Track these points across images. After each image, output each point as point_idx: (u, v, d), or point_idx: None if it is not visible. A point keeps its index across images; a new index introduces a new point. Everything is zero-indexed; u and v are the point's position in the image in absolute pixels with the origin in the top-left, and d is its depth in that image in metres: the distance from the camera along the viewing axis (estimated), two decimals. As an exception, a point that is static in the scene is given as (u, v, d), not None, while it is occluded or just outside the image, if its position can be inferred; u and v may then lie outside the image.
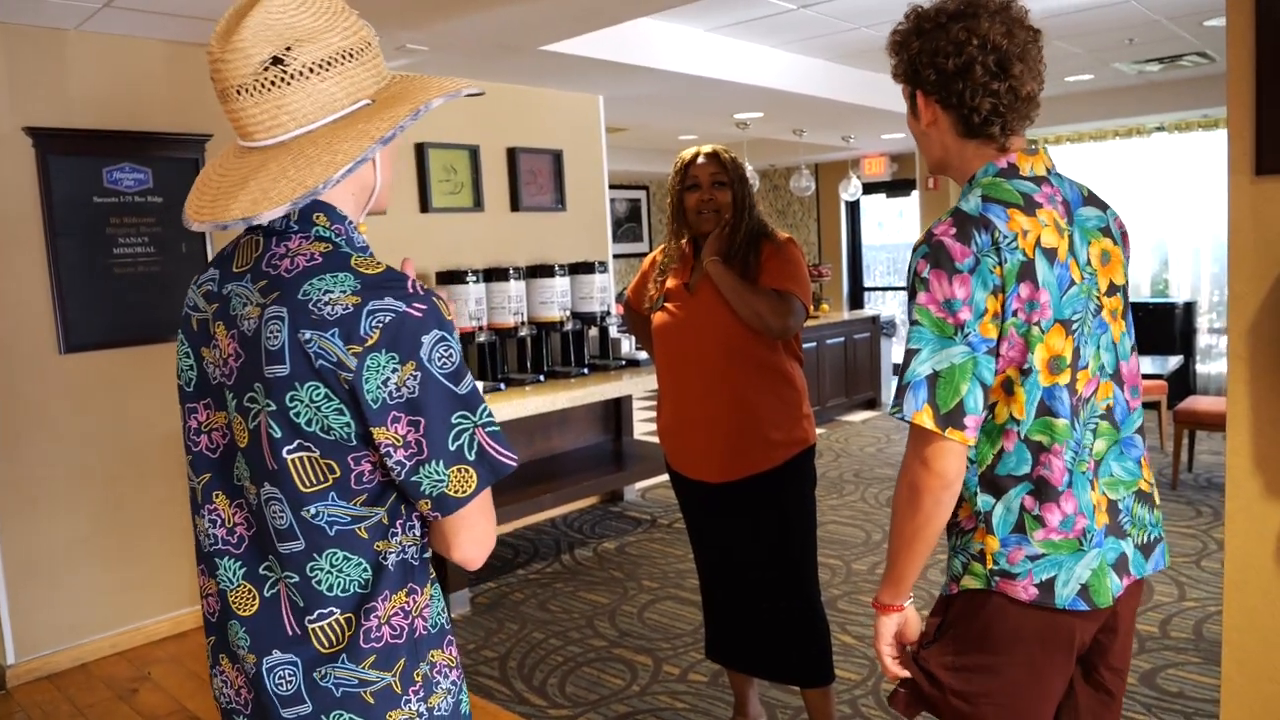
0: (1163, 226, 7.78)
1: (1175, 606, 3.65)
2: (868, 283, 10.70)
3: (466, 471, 1.06)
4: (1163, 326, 7.51)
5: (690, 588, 4.10)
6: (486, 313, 4.43)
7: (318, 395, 1.03)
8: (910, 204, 10.20)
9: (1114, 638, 1.46)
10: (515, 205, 5.08)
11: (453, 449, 1.05)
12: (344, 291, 1.03)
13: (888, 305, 10.60)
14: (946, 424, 1.28)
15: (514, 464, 1.09)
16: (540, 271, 4.68)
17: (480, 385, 3.99)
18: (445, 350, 1.04)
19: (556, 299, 4.67)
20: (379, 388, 1.01)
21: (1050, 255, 1.33)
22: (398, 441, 1.03)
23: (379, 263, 1.09)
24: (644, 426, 7.56)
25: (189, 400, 1.19)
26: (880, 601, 1.44)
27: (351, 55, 1.09)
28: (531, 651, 3.54)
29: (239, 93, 1.07)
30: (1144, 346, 7.28)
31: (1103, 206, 1.47)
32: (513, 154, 5.05)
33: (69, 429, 3.59)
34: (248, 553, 1.15)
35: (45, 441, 3.55)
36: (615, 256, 9.34)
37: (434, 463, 1.04)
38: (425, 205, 4.69)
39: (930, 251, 1.31)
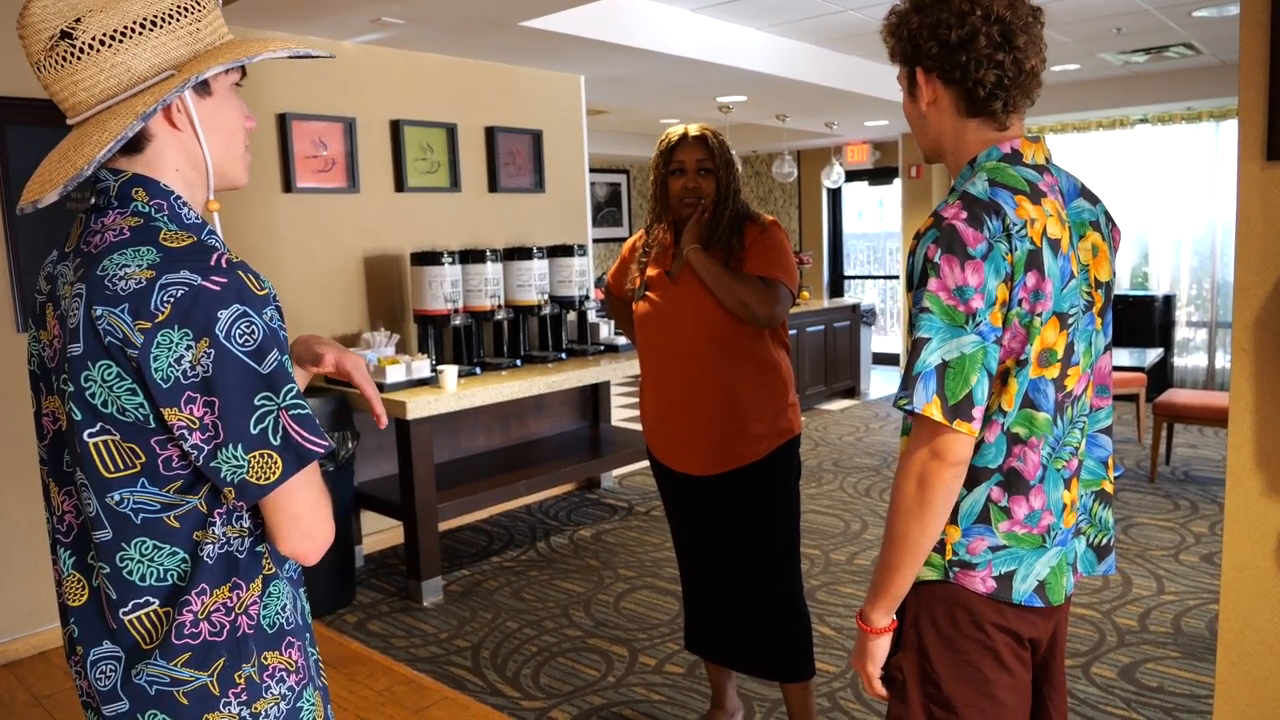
0: (1143, 219, 7.77)
1: (1154, 600, 3.63)
2: (848, 271, 10.66)
3: (269, 457, 1.00)
4: (1142, 319, 7.53)
5: (667, 577, 4.03)
6: (462, 295, 4.32)
7: (109, 374, 0.99)
8: (890, 193, 10.17)
9: (1058, 645, 1.45)
10: (493, 186, 4.97)
11: (254, 432, 0.99)
12: (140, 265, 0.98)
13: (867, 294, 10.58)
14: (954, 415, 1.22)
15: (322, 450, 1.03)
16: (518, 254, 4.57)
17: (454, 370, 3.91)
18: (247, 326, 0.98)
19: (534, 282, 4.57)
20: (170, 366, 0.96)
21: (1055, 246, 1.30)
22: (193, 424, 0.98)
23: (191, 236, 1.03)
24: (622, 413, 7.49)
25: (34, 384, 1.15)
26: (871, 623, 1.35)
27: (155, 22, 1.03)
28: (505, 641, 3.47)
29: (38, 69, 1.06)
30: (1123, 339, 7.29)
31: (1094, 200, 1.45)
32: (491, 133, 4.93)
33: (26, 409, 3.46)
34: (76, 542, 1.10)
35: (1, 422, 3.42)
36: (594, 241, 9.24)
37: (232, 446, 0.98)
38: (400, 184, 4.57)
39: (941, 236, 1.24)
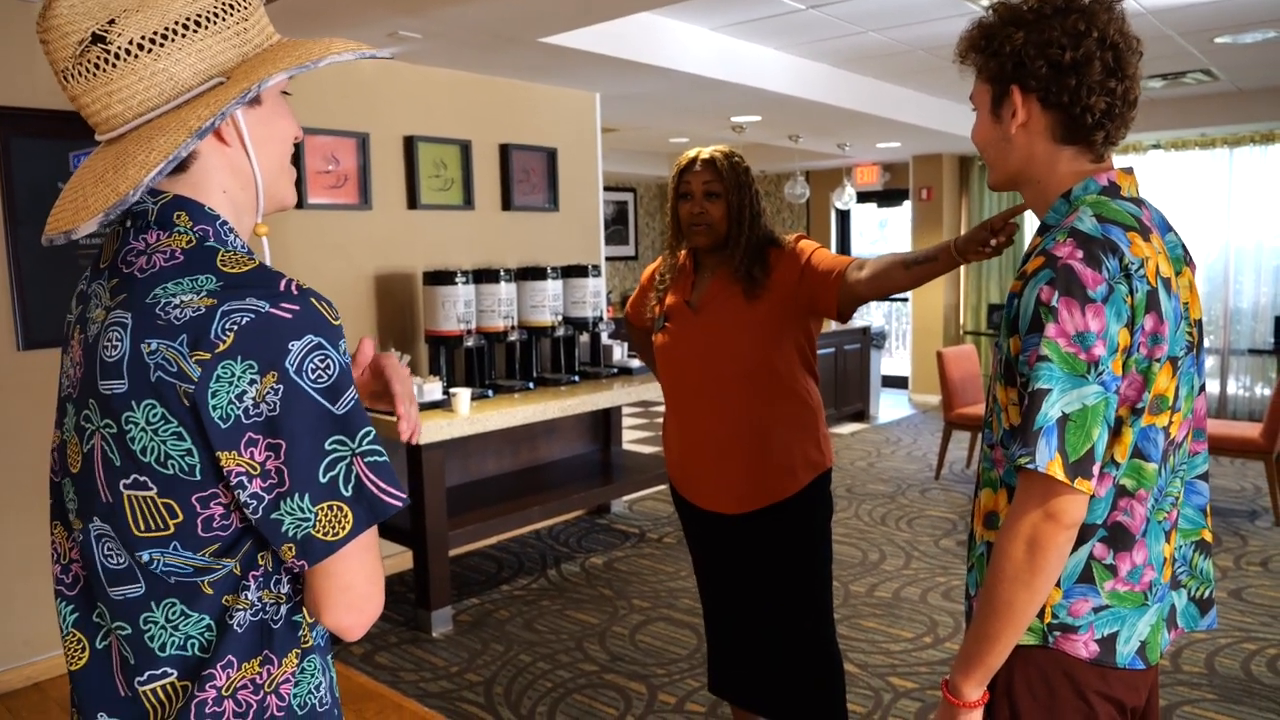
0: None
1: (1185, 638, 3.53)
2: (854, 292, 10.57)
3: (340, 510, 0.88)
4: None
5: (684, 609, 3.92)
6: (475, 316, 4.22)
7: (154, 416, 0.87)
8: (894, 214, 10.12)
9: (1152, 710, 1.35)
10: (507, 204, 4.88)
11: (324, 481, 0.87)
12: (198, 294, 0.87)
13: (873, 316, 10.50)
14: (1076, 473, 1.12)
15: (399, 504, 0.92)
16: (531, 274, 4.48)
17: (468, 393, 3.81)
18: (321, 360, 0.87)
19: (548, 303, 4.47)
20: (231, 403, 0.85)
21: (1167, 285, 1.21)
22: (253, 469, 0.86)
23: (252, 259, 0.93)
24: (632, 434, 7.39)
25: (60, 408, 1.02)
26: (963, 696, 1.23)
27: (199, 23, 0.91)
28: (519, 676, 3.35)
29: (65, 78, 0.91)
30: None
31: (1175, 232, 1.35)
32: (505, 151, 4.85)
33: (26, 431, 3.35)
34: (80, 596, 0.98)
35: (1, 446, 3.31)
36: (606, 259, 9.15)
37: (297, 497, 0.87)
38: (413, 201, 4.48)
39: (1057, 277, 1.14)
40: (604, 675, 3.34)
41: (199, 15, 0.91)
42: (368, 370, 1.20)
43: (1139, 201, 1.28)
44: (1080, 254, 1.15)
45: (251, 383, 0.85)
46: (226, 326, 0.85)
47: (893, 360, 10.14)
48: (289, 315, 0.87)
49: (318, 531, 0.88)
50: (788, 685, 2.39)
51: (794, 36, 4.88)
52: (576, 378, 4.63)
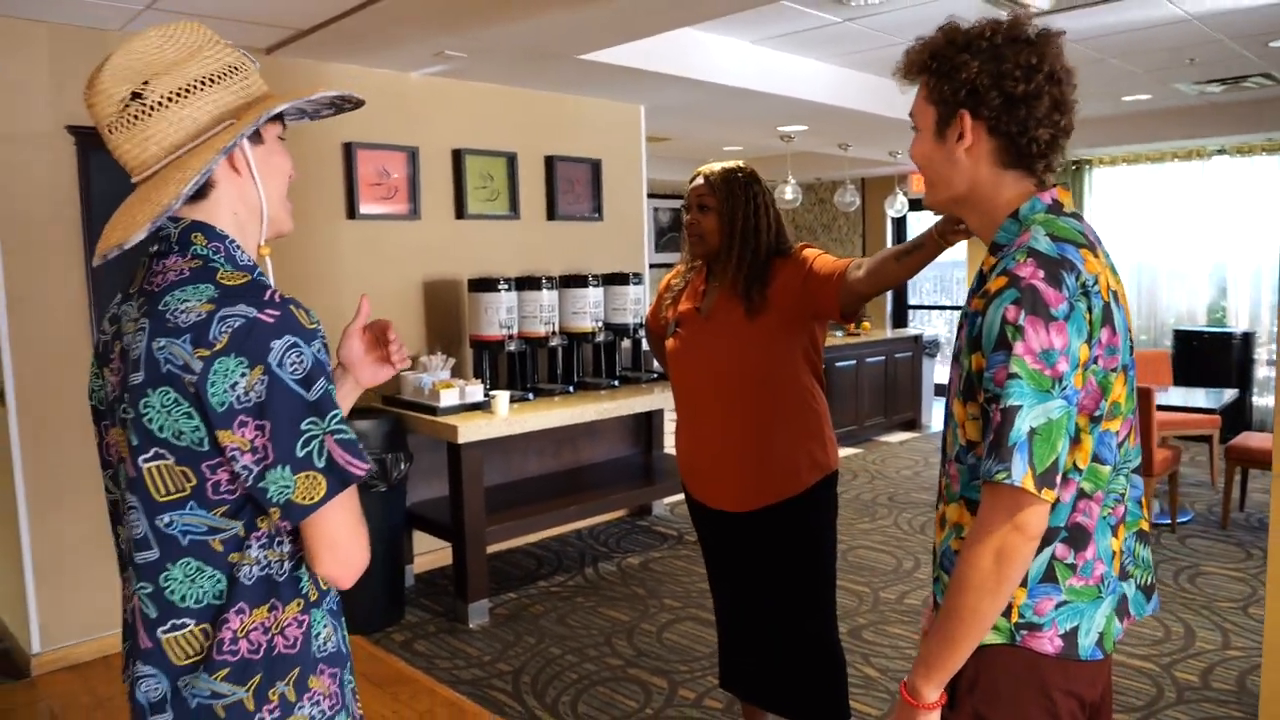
0: (1221, 252, 7.51)
1: (1218, 655, 3.48)
2: (912, 300, 10.50)
3: (314, 478, 1.07)
4: (1219, 357, 7.24)
5: (712, 608, 4.00)
6: (518, 322, 4.39)
7: (167, 400, 1.06)
8: (959, 221, 9.99)
9: (1105, 704, 1.39)
10: (551, 214, 5.05)
11: (300, 455, 1.06)
12: (200, 300, 1.08)
13: (933, 324, 10.40)
14: (1043, 484, 1.18)
15: (363, 473, 1.10)
16: (573, 281, 4.63)
17: (506, 395, 3.97)
18: (297, 356, 1.07)
19: (589, 309, 4.62)
20: (226, 391, 1.04)
21: (1116, 298, 1.27)
22: (244, 445, 1.05)
23: (246, 275, 1.13)
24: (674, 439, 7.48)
25: (100, 419, 1.23)
26: (922, 698, 1.27)
27: (212, 80, 1.15)
28: (546, 667, 3.49)
29: (110, 131, 1.15)
30: (1199, 378, 7.03)
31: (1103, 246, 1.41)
32: (550, 162, 5.02)
33: (99, 424, 3.62)
34: (121, 566, 1.19)
35: (75, 438, 3.58)
36: (656, 265, 9.28)
37: (280, 468, 1.05)
38: (461, 211, 4.68)
39: (1022, 297, 1.19)
40: (628, 670, 3.46)
41: (212, 75, 1.16)
42: (368, 332, 1.44)
43: (1079, 216, 1.34)
44: (1042, 274, 1.20)
45: (243, 375, 1.05)
46: (222, 329, 1.05)
47: (948, 369, 10.02)
48: (272, 320, 1.07)
49: (297, 497, 1.06)
50: (790, 681, 2.48)
51: (834, 48, 4.94)
52: (616, 382, 4.76)
